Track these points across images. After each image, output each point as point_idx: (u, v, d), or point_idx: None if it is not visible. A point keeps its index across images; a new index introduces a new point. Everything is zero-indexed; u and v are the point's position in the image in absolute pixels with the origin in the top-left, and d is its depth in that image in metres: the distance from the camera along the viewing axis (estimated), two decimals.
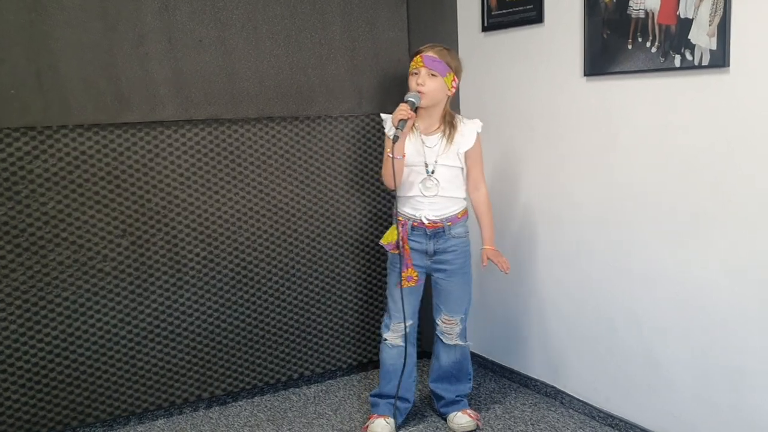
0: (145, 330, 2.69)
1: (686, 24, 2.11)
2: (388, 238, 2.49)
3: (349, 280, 3.08)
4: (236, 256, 2.82)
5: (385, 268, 3.11)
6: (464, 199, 2.56)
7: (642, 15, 2.25)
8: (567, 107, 2.60)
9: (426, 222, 2.46)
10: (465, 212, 2.55)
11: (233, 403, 2.93)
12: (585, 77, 2.50)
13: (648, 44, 2.24)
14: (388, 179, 2.47)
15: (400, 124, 2.33)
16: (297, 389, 3.05)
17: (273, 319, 2.94)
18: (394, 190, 2.45)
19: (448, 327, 2.59)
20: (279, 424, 2.74)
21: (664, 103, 2.24)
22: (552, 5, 2.59)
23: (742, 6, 1.97)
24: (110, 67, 2.49)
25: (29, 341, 2.51)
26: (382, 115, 2.55)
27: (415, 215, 2.47)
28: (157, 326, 2.71)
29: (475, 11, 2.96)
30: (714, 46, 2.04)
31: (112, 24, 2.48)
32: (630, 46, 2.30)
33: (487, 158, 2.88)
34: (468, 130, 2.51)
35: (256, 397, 2.97)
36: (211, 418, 2.81)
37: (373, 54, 2.98)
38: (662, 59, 2.20)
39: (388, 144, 2.48)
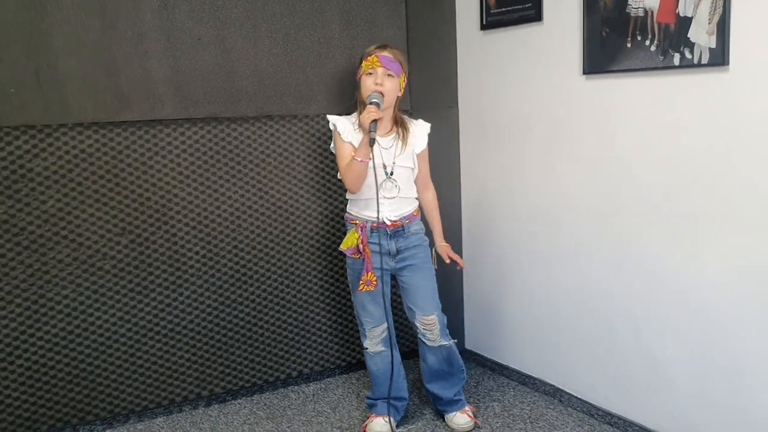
0: (144, 328, 2.70)
1: (685, 22, 2.11)
2: (348, 243, 2.46)
3: (348, 280, 3.08)
4: (235, 254, 2.83)
5: None
6: (416, 198, 2.58)
7: (641, 13, 2.25)
8: (566, 106, 2.60)
9: (388, 222, 2.46)
10: (418, 211, 2.58)
11: (233, 401, 2.93)
12: (584, 76, 2.50)
13: (647, 42, 2.24)
14: (353, 183, 2.42)
15: (372, 126, 2.31)
16: (296, 387, 3.06)
17: (272, 317, 2.94)
18: (352, 194, 2.47)
19: (427, 327, 2.56)
20: (278, 422, 2.74)
21: (663, 101, 2.24)
22: (551, 3, 2.59)
23: (741, 4, 1.97)
24: (109, 66, 2.49)
25: (29, 339, 2.51)
26: (330, 117, 2.50)
27: (374, 216, 2.43)
28: (157, 324, 2.72)
29: (474, 9, 2.96)
30: (713, 45, 2.04)
31: (111, 22, 2.48)
32: (629, 45, 2.30)
33: (486, 157, 2.89)
34: (419, 130, 2.53)
35: (255, 395, 2.98)
36: (210, 416, 2.82)
37: None
38: (661, 58, 2.20)
39: (342, 146, 2.44)
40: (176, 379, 2.79)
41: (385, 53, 2.42)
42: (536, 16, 2.65)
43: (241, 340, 2.89)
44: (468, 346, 3.32)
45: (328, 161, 2.96)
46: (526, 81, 2.76)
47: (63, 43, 2.41)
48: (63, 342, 2.57)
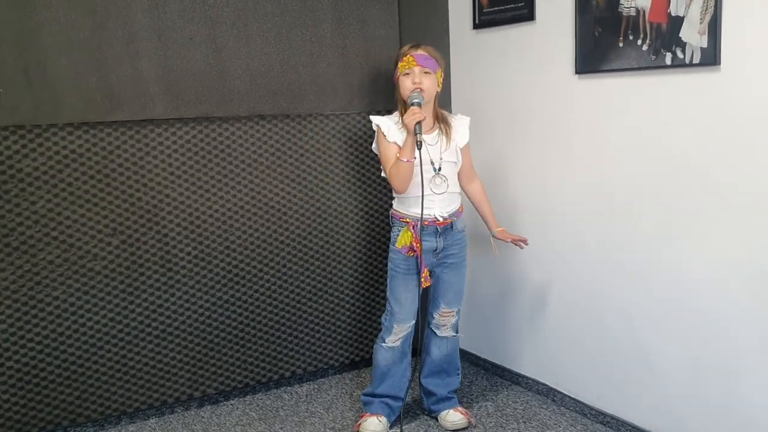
0: (136, 329, 2.68)
1: (677, 22, 2.11)
2: (402, 242, 2.48)
3: (341, 279, 3.08)
4: (227, 255, 2.82)
5: (376, 267, 3.12)
6: (460, 194, 2.58)
7: (633, 13, 2.25)
8: (558, 105, 2.60)
9: (440, 219, 2.47)
10: (463, 206, 2.58)
11: (225, 402, 2.92)
12: (576, 75, 2.50)
13: (639, 42, 2.24)
14: (401, 184, 2.42)
15: (417, 128, 2.31)
16: (289, 388, 3.05)
17: (265, 317, 2.93)
18: (399, 193, 2.47)
19: (444, 319, 2.62)
20: (271, 422, 2.74)
21: (655, 100, 2.25)
22: (543, 3, 2.59)
23: (732, 4, 1.97)
24: (100, 65, 2.48)
25: (19, 341, 2.49)
26: (373, 118, 2.52)
27: (426, 214, 2.44)
28: (149, 325, 2.70)
29: (467, 9, 2.95)
30: (705, 44, 2.04)
31: (102, 21, 2.46)
32: (621, 44, 2.30)
33: (478, 155, 2.88)
34: (460, 125, 2.55)
35: (248, 396, 2.97)
36: (202, 417, 2.80)
37: (365, 52, 2.97)
38: (653, 57, 2.20)
39: (387, 147, 2.45)
40: (168, 380, 2.78)
41: (420, 51, 2.43)
42: (529, 15, 2.65)
43: (234, 341, 2.88)
44: (462, 345, 3.30)
45: (320, 161, 2.96)
46: (518, 80, 2.76)
47: (53, 43, 2.39)
48: (53, 343, 2.55)
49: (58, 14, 2.39)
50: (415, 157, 2.36)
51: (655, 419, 2.42)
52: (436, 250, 2.51)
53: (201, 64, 2.65)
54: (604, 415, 2.60)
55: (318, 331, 3.07)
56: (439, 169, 2.46)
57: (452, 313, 2.62)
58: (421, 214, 2.41)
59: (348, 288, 3.11)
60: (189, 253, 2.74)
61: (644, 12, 2.21)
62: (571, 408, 2.74)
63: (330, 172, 2.99)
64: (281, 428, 2.69)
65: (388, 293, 2.59)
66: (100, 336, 2.62)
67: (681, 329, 2.28)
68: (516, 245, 2.64)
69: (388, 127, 2.46)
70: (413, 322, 2.58)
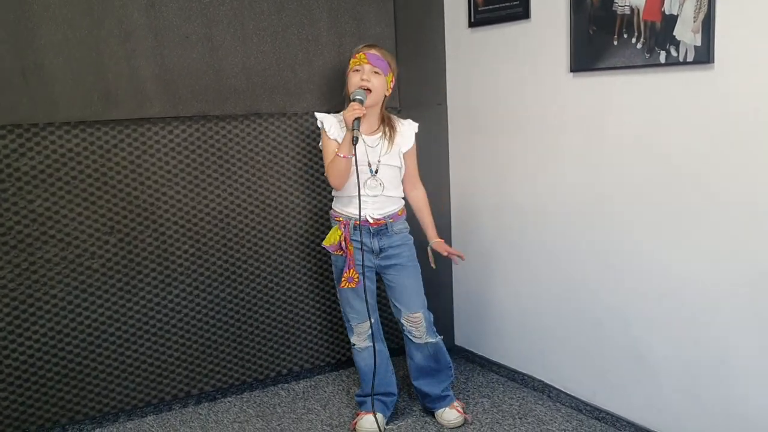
0: (133, 327, 2.69)
1: (671, 20, 2.12)
2: (330, 240, 2.48)
3: (333, 276, 3.08)
4: (224, 253, 2.82)
5: None
6: (402, 198, 2.58)
7: (627, 11, 2.26)
8: (553, 102, 2.61)
9: (371, 220, 2.46)
10: (403, 210, 2.58)
11: (222, 399, 2.93)
12: (571, 73, 2.51)
13: (633, 40, 2.25)
14: (336, 179, 2.43)
15: (356, 123, 2.31)
16: (286, 385, 3.06)
17: (262, 315, 2.94)
18: (336, 190, 2.48)
19: (413, 325, 2.57)
20: (268, 419, 2.75)
21: (649, 98, 2.26)
22: (538, 1, 2.60)
23: (725, 2, 1.98)
24: (96, 64, 2.48)
25: (17, 339, 2.50)
26: (318, 114, 2.50)
27: (357, 214, 2.43)
28: (146, 323, 2.71)
29: (462, 7, 2.96)
30: (698, 43, 2.06)
31: (98, 20, 2.47)
32: (615, 42, 2.31)
33: (473, 153, 2.90)
34: (407, 130, 2.54)
35: (245, 393, 2.98)
36: (200, 414, 2.82)
37: None
38: (647, 55, 2.22)
39: (328, 143, 2.45)
40: (166, 377, 2.79)
41: (373, 51, 2.43)
42: (524, 13, 2.66)
43: (231, 338, 2.89)
44: (458, 342, 3.34)
45: (317, 159, 2.96)
46: (514, 78, 2.77)
47: (49, 42, 2.40)
48: (52, 341, 2.56)
49: (54, 13, 2.39)
50: (352, 154, 2.36)
51: (650, 415, 2.43)
52: (374, 251, 2.51)
53: (197, 62, 2.65)
54: (600, 411, 2.62)
55: (315, 329, 3.08)
56: (376, 171, 2.46)
57: (417, 317, 2.57)
58: (359, 212, 2.41)
59: None
60: (186, 251, 2.75)
61: (638, 10, 2.22)
62: (567, 404, 2.76)
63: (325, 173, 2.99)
64: (278, 425, 2.70)
65: (338, 297, 2.61)
66: (98, 334, 2.63)
67: (675, 326, 2.30)
68: (451, 259, 2.67)
69: (331, 124, 2.46)
70: (371, 319, 2.56)
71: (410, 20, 3.07)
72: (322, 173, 2.97)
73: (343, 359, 3.19)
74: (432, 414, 2.72)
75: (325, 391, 2.98)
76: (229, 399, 2.94)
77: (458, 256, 2.65)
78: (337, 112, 2.52)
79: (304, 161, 2.94)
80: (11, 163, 2.41)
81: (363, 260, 2.47)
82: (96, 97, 2.50)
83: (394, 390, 2.69)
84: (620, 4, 2.28)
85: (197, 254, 2.77)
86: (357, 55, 2.43)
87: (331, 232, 2.49)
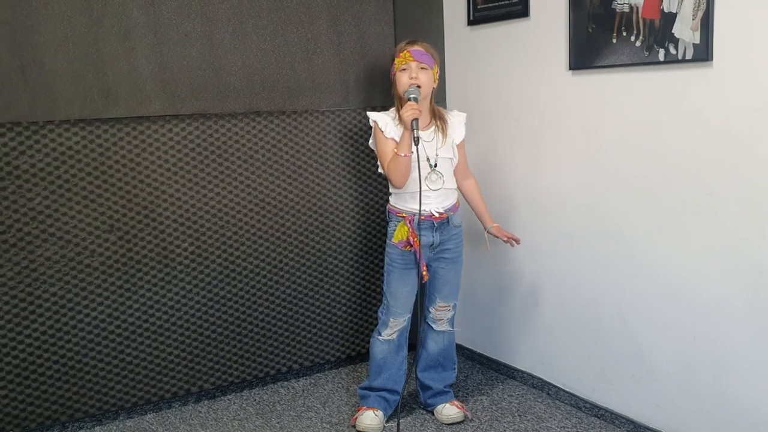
0: (133, 325, 2.70)
1: (670, 18, 2.13)
2: (399, 236, 2.50)
3: (337, 274, 3.10)
4: (224, 251, 2.83)
5: (372, 262, 3.14)
6: (456, 189, 2.60)
7: (626, 9, 2.26)
8: (552, 100, 2.62)
9: (436, 214, 2.48)
10: (459, 202, 2.60)
11: (222, 397, 2.94)
12: (570, 71, 2.52)
13: (632, 38, 2.26)
14: (399, 178, 2.44)
15: (414, 124, 2.32)
16: (285, 382, 3.06)
17: (261, 312, 2.95)
18: (397, 188, 2.50)
19: (440, 313, 2.64)
20: (268, 417, 2.75)
21: (648, 96, 2.26)
22: None
23: (724, 0, 1.99)
24: (96, 62, 2.48)
25: (17, 336, 2.50)
26: (370, 114, 2.53)
27: (423, 210, 2.46)
28: (146, 321, 2.72)
29: (461, 5, 2.96)
30: (697, 41, 2.06)
31: (98, 18, 2.47)
32: (615, 40, 2.32)
33: (473, 151, 2.90)
34: (457, 121, 2.56)
35: (244, 391, 2.98)
36: (200, 412, 2.82)
37: (360, 48, 2.98)
38: (646, 53, 2.22)
39: (385, 143, 2.46)
40: (166, 375, 2.80)
41: (416, 47, 2.44)
42: (523, 11, 2.66)
43: (231, 336, 2.90)
44: (457, 340, 3.32)
45: (316, 157, 2.97)
46: (513, 76, 2.78)
47: (49, 40, 2.40)
48: (51, 339, 2.56)
49: (53, 11, 2.39)
50: (412, 152, 2.37)
51: (648, 412, 2.44)
52: (432, 244, 2.53)
53: (197, 60, 2.66)
54: (599, 408, 2.62)
55: (314, 326, 3.09)
56: (435, 165, 2.48)
57: (448, 308, 2.64)
58: (419, 209, 2.43)
59: (344, 283, 3.12)
60: (186, 249, 2.75)
61: (637, 8, 2.23)
62: (566, 401, 2.76)
63: (326, 168, 3.00)
64: (278, 423, 2.70)
65: (384, 287, 2.61)
66: (97, 332, 2.64)
67: (673, 324, 2.30)
68: (509, 243, 2.67)
69: (386, 123, 2.48)
70: (409, 316, 2.61)
71: (409, 18, 3.08)
72: (322, 171, 2.98)
73: (342, 357, 3.19)
74: (431, 413, 2.72)
75: (324, 389, 2.99)
76: (229, 397, 2.94)
77: (515, 240, 2.66)
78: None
79: (303, 159, 2.94)
80: (11, 161, 2.41)
81: (424, 256, 2.51)
82: (95, 95, 2.50)
83: (400, 389, 2.69)
84: (619, 2, 2.28)
85: (197, 252, 2.77)
86: (401, 54, 2.44)
87: (398, 228, 2.50)
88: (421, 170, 2.41)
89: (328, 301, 3.10)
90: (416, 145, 2.33)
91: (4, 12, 2.32)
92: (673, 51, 2.13)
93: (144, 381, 2.76)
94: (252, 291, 2.91)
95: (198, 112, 2.69)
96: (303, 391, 2.98)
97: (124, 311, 2.67)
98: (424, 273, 2.50)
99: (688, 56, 2.09)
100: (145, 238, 2.67)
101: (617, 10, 2.29)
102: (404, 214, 2.50)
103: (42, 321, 2.54)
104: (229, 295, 2.86)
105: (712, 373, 2.20)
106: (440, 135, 2.51)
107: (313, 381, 3.07)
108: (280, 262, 2.95)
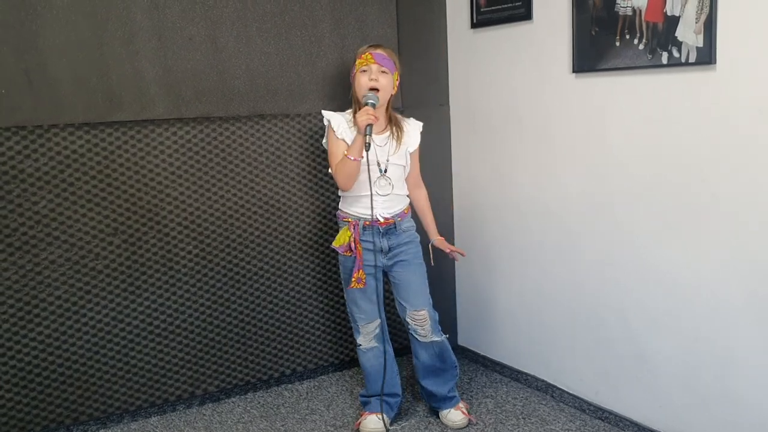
0: (137, 328, 2.70)
1: (673, 21, 2.13)
2: (340, 241, 2.48)
3: (341, 277, 3.09)
4: (228, 254, 2.83)
5: None
6: (407, 196, 2.60)
7: (629, 12, 2.27)
8: (555, 103, 2.62)
9: (381, 219, 2.48)
10: (409, 208, 2.60)
11: (226, 400, 2.94)
12: (573, 74, 2.52)
13: (635, 41, 2.26)
14: (345, 181, 2.43)
15: (368, 129, 2.32)
16: (290, 385, 3.07)
17: (265, 315, 2.95)
18: (343, 191, 2.49)
19: (419, 323, 2.58)
20: (272, 420, 2.75)
21: (651, 99, 2.26)
22: (541, 2, 2.61)
23: (727, 4, 1.99)
24: (100, 66, 2.49)
25: (22, 340, 2.51)
26: (325, 113, 2.51)
27: (368, 214, 2.45)
28: (150, 324, 2.72)
29: (464, 8, 2.97)
30: (700, 44, 2.06)
31: (102, 22, 2.48)
32: (618, 43, 2.32)
33: (476, 154, 2.90)
34: (413, 129, 2.57)
35: (248, 394, 2.99)
36: (204, 414, 2.82)
37: None
38: (649, 56, 2.22)
39: (336, 143, 2.45)
40: (170, 378, 2.80)
41: (379, 51, 2.45)
42: (526, 14, 2.67)
43: (235, 339, 2.90)
44: (461, 342, 3.34)
45: (321, 159, 2.97)
46: (516, 79, 2.78)
47: (53, 44, 2.41)
48: (56, 342, 2.57)
49: (58, 15, 2.40)
50: (362, 157, 2.37)
51: (652, 414, 2.44)
52: (383, 250, 2.52)
53: (201, 64, 2.66)
54: (603, 410, 2.62)
55: (318, 329, 3.09)
56: (386, 170, 2.48)
57: (424, 315, 2.57)
58: (372, 213, 2.43)
59: None
60: (190, 252, 2.75)
61: (640, 11, 2.23)
62: (570, 404, 2.76)
63: (329, 171, 3.00)
64: (282, 425, 2.71)
65: (345, 297, 2.62)
66: (102, 335, 2.64)
67: (677, 326, 2.30)
68: (452, 257, 2.69)
69: (339, 123, 2.47)
70: (378, 320, 2.58)
71: (413, 21, 3.08)
72: (326, 174, 2.98)
73: (346, 360, 3.19)
74: (436, 414, 2.72)
75: (328, 392, 2.99)
76: (233, 399, 2.94)
77: (459, 253, 2.67)
78: (342, 111, 2.53)
79: (307, 162, 2.95)
80: (16, 164, 2.42)
81: (375, 261, 2.49)
82: (100, 99, 2.51)
83: (399, 391, 2.69)
84: (622, 5, 2.28)
85: (201, 255, 2.78)
86: (363, 56, 2.44)
87: (340, 233, 2.50)
88: (371, 175, 2.39)
89: (332, 303, 3.10)
90: (367, 150, 2.33)
91: (9, 16, 2.33)
92: (676, 54, 2.14)
93: (148, 384, 2.76)
94: (256, 294, 2.91)
95: (202, 116, 2.70)
96: (307, 393, 2.98)
97: (129, 314, 2.68)
98: (354, 280, 2.46)
99: (692, 59, 2.09)
100: (149, 241, 2.67)
101: (620, 13, 2.29)
102: (349, 219, 2.50)
103: (46, 324, 2.54)
104: (233, 298, 2.87)
105: (715, 374, 2.20)
106: (394, 141, 2.50)
107: (317, 384, 3.08)
108: (284, 264, 2.96)
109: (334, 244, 2.50)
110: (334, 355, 3.16)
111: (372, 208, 2.42)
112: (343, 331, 3.14)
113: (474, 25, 2.93)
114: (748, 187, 2.03)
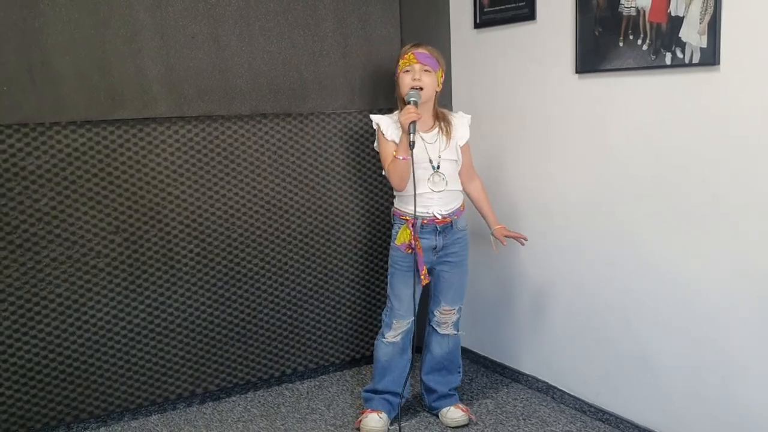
0: (138, 326, 2.70)
1: (677, 22, 2.12)
2: (402, 239, 2.50)
3: (342, 276, 3.10)
4: (229, 253, 2.83)
5: (377, 264, 3.14)
6: (461, 192, 2.59)
7: (633, 13, 2.26)
8: (558, 104, 2.61)
9: (439, 217, 2.48)
10: (464, 206, 2.59)
11: (227, 399, 2.94)
12: (577, 74, 2.52)
13: (639, 42, 2.25)
14: (398, 181, 2.46)
15: (411, 127, 2.33)
16: (290, 384, 3.07)
17: (266, 314, 2.95)
18: (398, 191, 2.50)
19: (445, 317, 2.64)
20: (272, 419, 2.75)
21: (654, 100, 2.26)
22: (544, 2, 2.60)
23: (732, 4, 1.98)
24: (102, 64, 2.49)
25: (23, 337, 2.51)
26: (373, 117, 2.55)
27: (425, 212, 2.47)
28: (151, 322, 2.72)
29: (468, 8, 2.96)
30: (704, 44, 2.05)
31: (105, 20, 2.47)
32: (621, 44, 2.31)
33: (479, 154, 2.89)
34: (461, 123, 2.57)
35: (249, 393, 2.99)
36: (204, 413, 2.82)
37: (366, 51, 2.99)
38: (653, 57, 2.22)
39: (386, 145, 2.48)
40: (170, 376, 2.80)
41: (421, 50, 2.45)
42: (530, 15, 2.66)
43: (235, 338, 2.90)
44: (463, 343, 3.31)
45: (322, 159, 2.97)
46: (519, 79, 2.78)
47: (56, 41, 2.41)
48: (57, 340, 2.57)
49: (61, 13, 2.40)
50: (410, 156, 2.38)
51: (653, 416, 2.43)
52: (435, 248, 2.53)
53: (203, 62, 2.66)
54: (603, 412, 2.62)
55: (319, 329, 3.09)
56: (438, 167, 2.48)
57: (453, 311, 2.64)
58: (414, 212, 2.44)
59: (349, 285, 3.12)
60: (191, 251, 2.75)
61: (644, 12, 2.22)
62: (571, 405, 2.76)
63: (331, 170, 3.00)
64: (282, 425, 2.70)
65: (388, 289, 2.61)
66: (103, 333, 2.64)
67: (679, 327, 2.29)
68: (518, 242, 2.65)
69: (387, 125, 2.49)
70: (412, 318, 2.60)
71: (416, 21, 3.08)
72: (327, 173, 2.98)
73: (347, 359, 3.19)
74: (436, 415, 2.72)
75: (329, 391, 2.99)
76: (234, 398, 2.94)
77: (523, 239, 2.63)
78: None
79: (308, 161, 2.94)
80: (17, 162, 2.42)
81: (431, 259, 2.54)
82: (102, 97, 2.51)
83: (404, 393, 2.68)
84: (626, 6, 2.28)
85: (202, 254, 2.78)
86: (406, 56, 2.45)
87: (400, 231, 2.51)
88: (423, 172, 2.42)
89: (333, 303, 3.10)
90: (411, 149, 2.35)
91: (11, 14, 2.33)
92: (680, 55, 2.13)
93: (149, 382, 2.76)
94: (257, 293, 2.91)
95: (204, 114, 2.70)
96: (307, 393, 2.98)
97: (130, 312, 2.68)
98: (422, 277, 2.49)
99: (695, 60, 2.09)
100: (150, 240, 2.67)
101: (624, 14, 2.29)
102: (407, 217, 2.50)
103: (47, 322, 2.54)
104: (234, 297, 2.87)
105: (718, 376, 2.20)
106: (444, 137, 2.51)
107: (317, 383, 3.07)
108: (285, 264, 2.96)
109: (396, 242, 2.52)
110: (334, 354, 3.15)
111: (415, 205, 2.42)
112: (344, 330, 3.14)
113: (477, 26, 2.93)
114: (751, 188, 2.02)
